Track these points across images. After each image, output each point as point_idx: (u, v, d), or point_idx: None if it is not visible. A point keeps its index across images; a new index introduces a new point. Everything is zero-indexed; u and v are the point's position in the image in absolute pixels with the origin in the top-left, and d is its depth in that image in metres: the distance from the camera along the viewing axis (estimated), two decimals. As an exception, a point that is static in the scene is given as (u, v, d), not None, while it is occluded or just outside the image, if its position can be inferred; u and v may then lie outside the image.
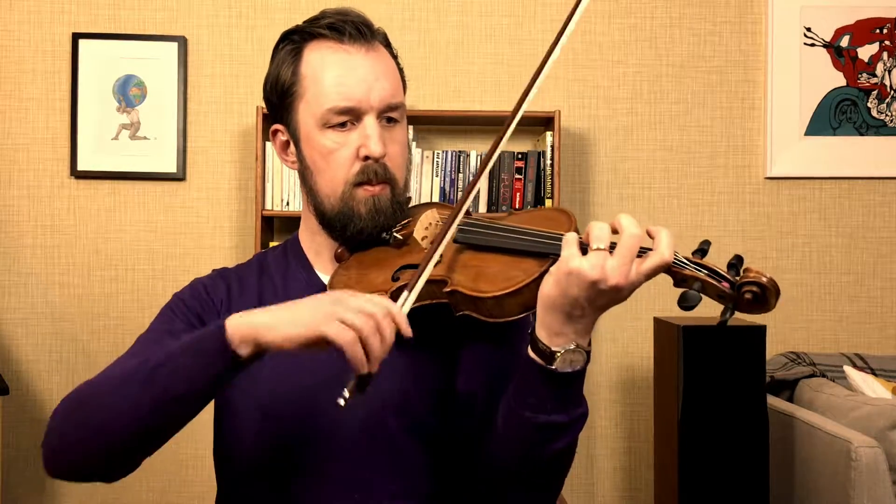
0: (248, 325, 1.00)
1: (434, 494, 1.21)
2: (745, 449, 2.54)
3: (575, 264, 0.98)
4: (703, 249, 1.02)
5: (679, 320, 2.67)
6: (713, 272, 1.00)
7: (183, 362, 1.03)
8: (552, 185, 3.00)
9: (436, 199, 3.03)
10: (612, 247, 0.99)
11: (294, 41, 1.24)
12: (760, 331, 2.57)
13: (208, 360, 1.02)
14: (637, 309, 3.15)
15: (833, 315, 3.25)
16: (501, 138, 1.15)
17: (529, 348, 1.06)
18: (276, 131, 1.28)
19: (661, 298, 3.13)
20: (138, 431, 1.04)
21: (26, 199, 3.13)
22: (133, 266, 3.15)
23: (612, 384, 3.22)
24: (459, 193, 3.05)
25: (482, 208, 3.02)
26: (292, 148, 1.26)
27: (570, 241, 1.01)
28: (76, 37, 3.10)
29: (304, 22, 1.26)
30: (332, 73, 1.20)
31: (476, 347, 1.22)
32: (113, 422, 1.04)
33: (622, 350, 3.22)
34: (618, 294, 0.99)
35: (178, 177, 3.13)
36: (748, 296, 0.98)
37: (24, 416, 3.11)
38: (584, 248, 1.00)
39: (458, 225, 1.14)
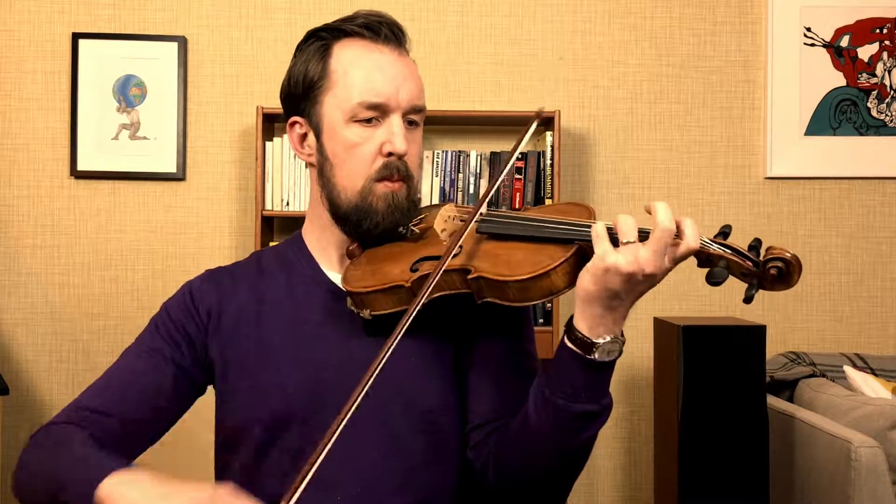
0: (116, 497, 1.03)
1: (434, 490, 1.21)
2: (745, 449, 2.54)
3: (611, 260, 1.02)
4: (724, 232, 1.06)
5: (679, 320, 2.66)
6: (737, 251, 1.04)
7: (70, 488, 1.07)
8: (552, 185, 3.00)
9: (436, 199, 3.03)
10: (640, 233, 1.03)
11: (323, 38, 1.26)
12: (760, 331, 2.57)
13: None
14: (637, 309, 3.10)
15: (833, 315, 3.25)
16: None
17: (566, 339, 1.09)
18: (294, 123, 1.29)
19: (661, 298, 3.14)
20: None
21: (26, 199, 3.13)
22: (133, 266, 3.15)
23: (612, 384, 3.20)
24: (459, 193, 3.05)
25: (482, 208, 3.01)
26: (310, 140, 1.27)
27: (601, 235, 1.04)
28: (76, 37, 3.10)
29: (335, 21, 1.28)
30: (364, 70, 1.22)
31: (491, 340, 1.25)
32: (42, 488, 1.12)
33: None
34: (652, 280, 1.04)
35: (178, 177, 3.13)
36: (773, 271, 1.02)
37: (24, 416, 3.11)
38: (613, 239, 1.04)
39: (480, 216, 1.18)
